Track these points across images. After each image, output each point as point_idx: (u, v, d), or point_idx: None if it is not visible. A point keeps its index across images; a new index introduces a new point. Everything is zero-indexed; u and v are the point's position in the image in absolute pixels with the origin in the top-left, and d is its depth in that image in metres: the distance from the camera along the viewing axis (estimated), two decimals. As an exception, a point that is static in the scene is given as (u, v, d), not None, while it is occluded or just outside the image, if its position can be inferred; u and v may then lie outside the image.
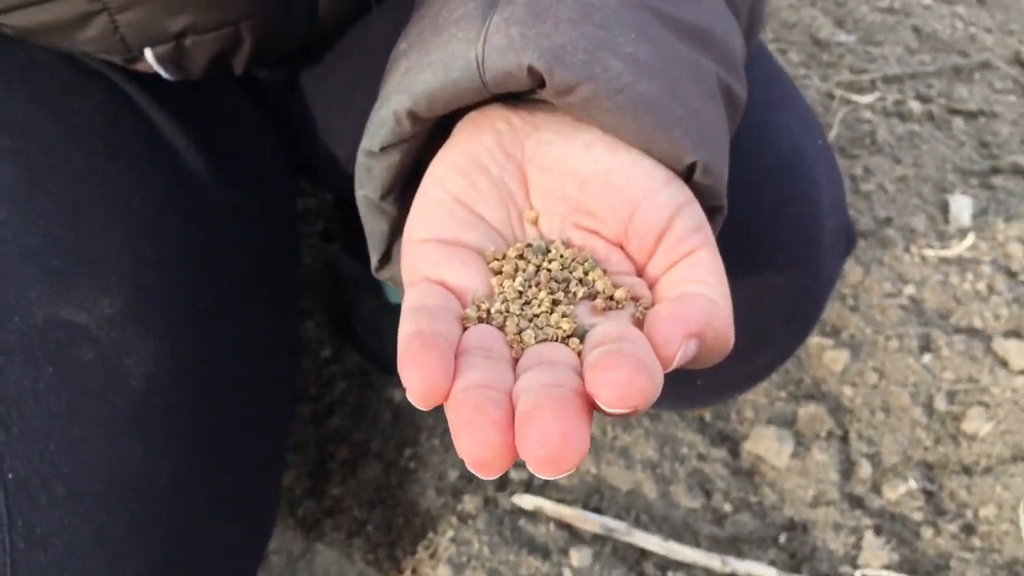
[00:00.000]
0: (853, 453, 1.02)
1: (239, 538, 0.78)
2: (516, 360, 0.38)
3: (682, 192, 0.42)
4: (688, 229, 0.40)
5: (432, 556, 0.90)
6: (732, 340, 0.38)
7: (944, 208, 1.29)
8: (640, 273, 0.42)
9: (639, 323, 0.39)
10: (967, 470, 1.00)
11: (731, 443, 1.03)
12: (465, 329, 0.40)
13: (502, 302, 0.40)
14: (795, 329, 0.67)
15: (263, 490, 0.80)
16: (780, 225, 0.63)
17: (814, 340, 1.11)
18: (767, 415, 1.04)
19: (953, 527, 0.96)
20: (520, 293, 0.41)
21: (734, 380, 0.75)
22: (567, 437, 0.31)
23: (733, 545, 0.95)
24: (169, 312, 0.65)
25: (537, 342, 0.38)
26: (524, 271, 0.41)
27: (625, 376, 0.32)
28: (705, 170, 0.42)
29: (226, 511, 0.76)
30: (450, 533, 0.91)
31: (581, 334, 0.39)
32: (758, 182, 0.63)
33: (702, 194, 0.42)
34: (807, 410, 1.04)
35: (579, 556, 0.90)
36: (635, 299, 0.40)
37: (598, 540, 0.93)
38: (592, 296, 0.41)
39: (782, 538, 0.96)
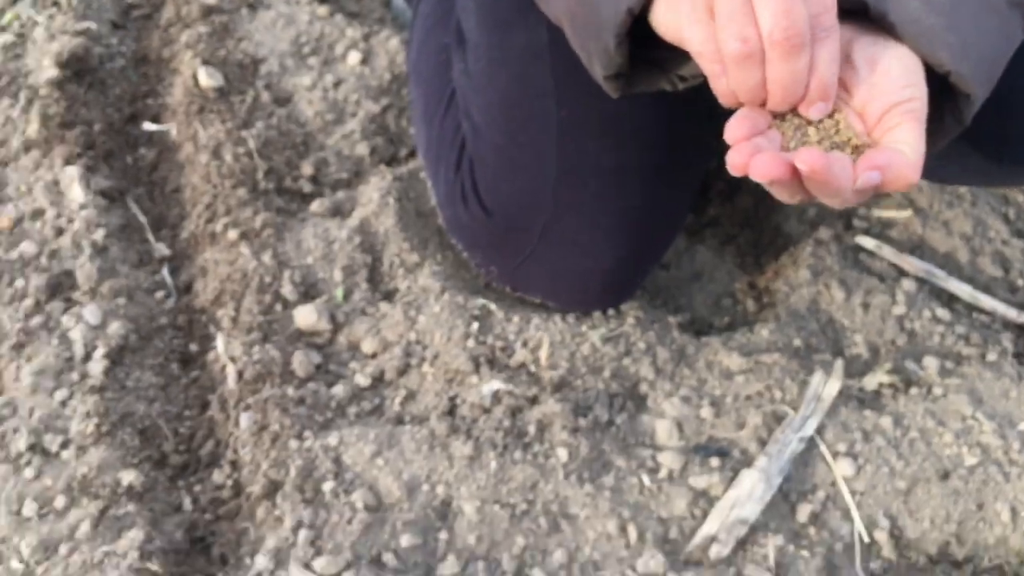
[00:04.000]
0: None
1: (680, 207, 1.09)
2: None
3: (916, 90, 0.66)
4: (904, 111, 0.66)
5: (794, 263, 1.19)
6: (913, 179, 0.64)
7: None
8: (868, 132, 0.68)
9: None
10: None
11: (1029, 238, 1.26)
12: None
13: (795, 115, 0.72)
14: None
15: (698, 176, 1.10)
16: None
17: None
18: (1064, 222, 1.27)
19: None
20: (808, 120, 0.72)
21: None
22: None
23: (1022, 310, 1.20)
24: None
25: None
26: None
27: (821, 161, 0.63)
28: (958, 76, 0.68)
29: (683, 182, 1.06)
30: (808, 250, 1.19)
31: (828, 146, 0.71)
32: None
33: (958, 88, 0.68)
34: (1099, 223, 1.25)
35: (907, 284, 1.17)
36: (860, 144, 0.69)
37: (919, 281, 1.19)
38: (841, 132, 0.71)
39: (1063, 313, 1.20)
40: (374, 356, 1.08)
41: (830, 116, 0.70)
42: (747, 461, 1.01)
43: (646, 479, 0.99)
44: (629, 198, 1.01)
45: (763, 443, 1.02)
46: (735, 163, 0.65)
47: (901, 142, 0.65)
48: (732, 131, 0.66)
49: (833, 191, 0.64)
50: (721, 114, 0.71)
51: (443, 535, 0.93)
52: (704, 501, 0.98)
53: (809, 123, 0.70)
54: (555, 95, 0.99)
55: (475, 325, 1.08)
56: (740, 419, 1.04)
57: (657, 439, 1.03)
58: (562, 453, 0.99)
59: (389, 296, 1.13)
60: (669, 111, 0.99)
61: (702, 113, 0.91)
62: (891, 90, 0.67)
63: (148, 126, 1.29)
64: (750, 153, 0.64)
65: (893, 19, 0.68)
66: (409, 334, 1.08)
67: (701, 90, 0.75)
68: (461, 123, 1.08)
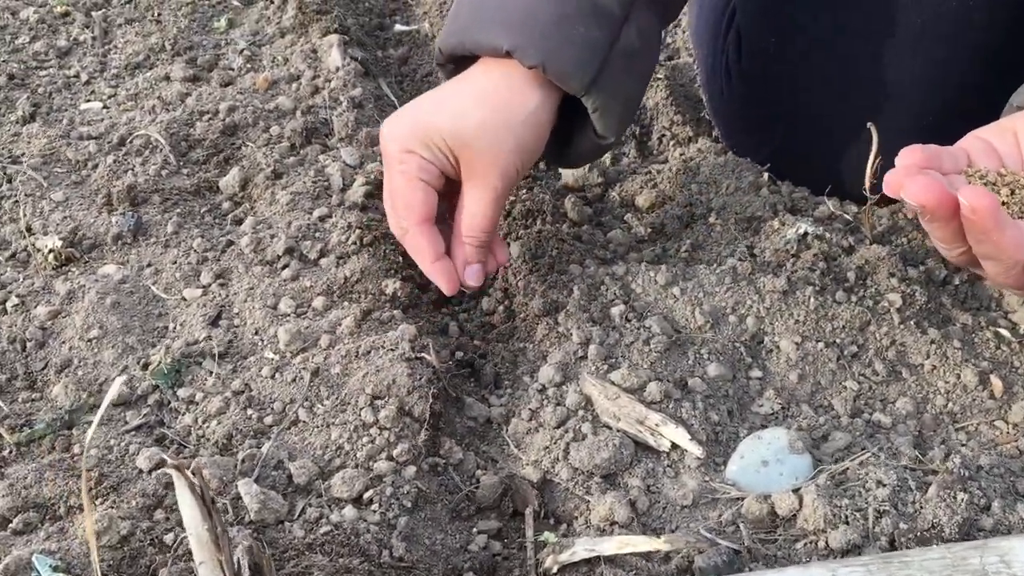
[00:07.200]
0: None
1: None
2: None
3: None
4: None
5: None
6: (1000, 248, 0.58)
7: None
8: None
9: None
10: None
11: None
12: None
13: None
14: None
15: None
16: None
17: None
18: None
19: None
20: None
21: None
22: None
23: None
24: None
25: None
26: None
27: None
28: None
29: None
30: None
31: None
32: None
33: None
34: None
35: None
36: None
37: None
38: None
39: None
40: (651, 209, 0.95)
41: None
42: None
43: (1006, 333, 0.80)
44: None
45: None
46: (890, 180, 0.60)
47: None
48: (907, 153, 0.63)
49: (998, 250, 0.59)
50: None
51: (755, 372, 0.76)
52: (1084, 361, 0.78)
53: (1008, 185, 0.63)
54: None
55: (765, 176, 0.94)
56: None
57: (1007, 303, 0.84)
58: (894, 298, 0.81)
59: (661, 162, 1.01)
60: None
61: None
62: None
63: (398, 27, 1.25)
64: (908, 174, 0.60)
65: None
66: (690, 186, 0.94)
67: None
68: None
